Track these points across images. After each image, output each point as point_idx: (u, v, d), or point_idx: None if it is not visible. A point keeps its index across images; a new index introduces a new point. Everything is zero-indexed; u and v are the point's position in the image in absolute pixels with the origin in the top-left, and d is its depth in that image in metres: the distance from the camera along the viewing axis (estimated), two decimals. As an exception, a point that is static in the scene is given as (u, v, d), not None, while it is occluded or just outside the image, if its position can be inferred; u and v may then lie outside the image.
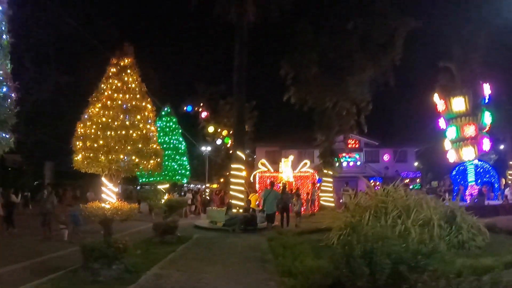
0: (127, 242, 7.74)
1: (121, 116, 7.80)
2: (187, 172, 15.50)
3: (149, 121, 8.29)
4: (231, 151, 25.05)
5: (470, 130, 24.56)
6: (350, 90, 25.09)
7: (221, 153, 37.49)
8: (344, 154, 33.50)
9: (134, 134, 7.73)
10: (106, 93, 8.00)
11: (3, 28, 5.83)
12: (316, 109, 26.22)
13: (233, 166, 19.68)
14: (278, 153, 38.48)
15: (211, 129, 35.56)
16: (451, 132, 25.19)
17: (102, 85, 8.19)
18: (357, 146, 41.30)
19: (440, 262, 5.20)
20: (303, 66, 25.18)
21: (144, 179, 14.89)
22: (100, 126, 7.67)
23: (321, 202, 26.49)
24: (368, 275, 4.72)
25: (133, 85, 8.23)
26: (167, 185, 15.16)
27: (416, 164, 44.97)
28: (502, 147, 36.17)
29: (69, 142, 8.16)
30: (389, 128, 45.32)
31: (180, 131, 15.32)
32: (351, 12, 25.19)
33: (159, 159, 8.35)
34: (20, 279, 7.84)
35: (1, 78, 5.57)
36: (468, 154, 24.54)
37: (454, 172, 26.60)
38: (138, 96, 8.19)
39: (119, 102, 7.90)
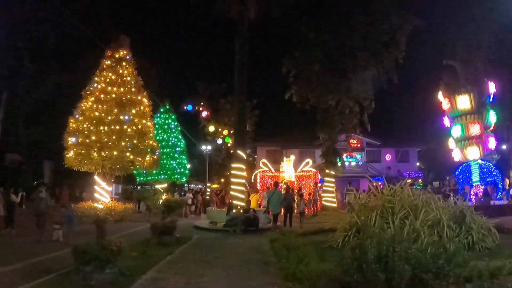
0: (121, 244, 7.29)
1: (115, 110, 7.35)
2: (186, 171, 15.06)
3: (145, 115, 7.85)
4: (231, 151, 24.68)
5: (475, 129, 24.22)
6: (353, 88, 24.77)
7: (221, 152, 37.19)
8: (345, 154, 33.07)
9: (129, 130, 7.28)
10: (99, 86, 7.56)
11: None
12: (319, 108, 25.87)
13: (233, 165, 19.25)
14: (279, 152, 38.23)
15: (211, 128, 35.21)
16: (456, 131, 24.83)
17: (96, 78, 7.75)
18: (359, 146, 40.95)
19: (460, 266, 4.77)
20: (305, 64, 24.88)
21: (141, 178, 14.44)
22: (93, 121, 7.22)
23: (323, 202, 26.06)
24: (384, 281, 4.27)
25: (129, 78, 7.78)
26: (165, 185, 14.69)
27: (417, 164, 44.56)
28: (504, 147, 35.73)
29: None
30: (391, 128, 45.07)
31: (179, 128, 14.87)
32: (354, 10, 24.84)
33: (155, 156, 7.89)
34: (10, 282, 7.49)
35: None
36: (473, 153, 24.18)
37: (457, 172, 26.29)
38: (133, 89, 7.74)
39: (113, 95, 7.45)
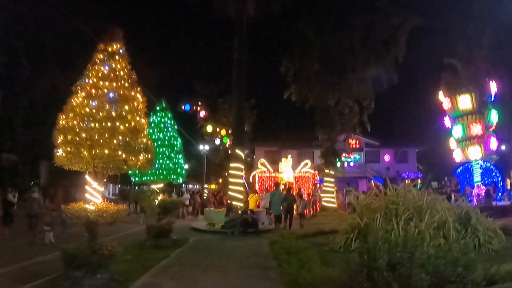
0: (113, 248, 6.89)
1: (107, 106, 6.95)
2: (183, 171, 14.62)
3: (139, 112, 7.44)
4: (229, 151, 24.31)
5: (476, 129, 23.88)
6: (352, 88, 24.54)
7: (219, 153, 36.85)
8: (344, 155, 32.75)
9: (121, 127, 6.87)
10: (90, 81, 7.16)
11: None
12: (318, 108, 25.55)
13: (232, 165, 18.85)
14: (278, 153, 37.96)
15: (209, 128, 34.84)
16: (457, 131, 24.48)
17: (88, 73, 7.35)
18: (357, 146, 40.64)
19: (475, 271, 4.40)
20: (304, 63, 24.62)
21: (137, 179, 14.01)
22: (83, 117, 6.81)
23: (323, 203, 25.71)
24: (397, 291, 3.89)
25: (122, 73, 7.38)
26: (161, 185, 14.27)
27: (418, 165, 44.40)
28: (503, 147, 35.44)
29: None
30: (390, 128, 44.92)
31: (176, 127, 14.44)
32: (354, 8, 24.59)
33: (149, 155, 7.48)
34: (-3, 288, 7.12)
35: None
36: (475, 153, 23.84)
37: (457, 173, 26.00)
38: (126, 84, 7.34)
39: (105, 90, 7.05)
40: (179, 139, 14.48)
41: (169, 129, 13.92)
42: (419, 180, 39.82)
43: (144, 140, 7.38)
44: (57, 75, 31.90)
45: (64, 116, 7.09)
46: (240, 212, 15.69)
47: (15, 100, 33.46)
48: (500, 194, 25.38)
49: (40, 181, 35.32)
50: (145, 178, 13.50)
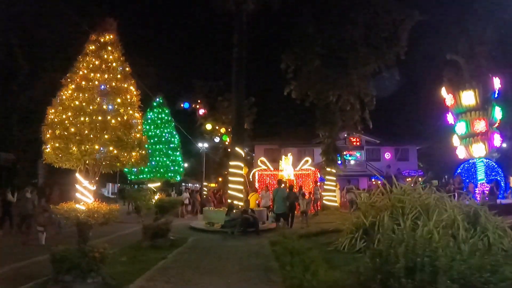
0: (105, 250, 6.47)
1: (98, 99, 6.54)
2: (181, 169, 14.19)
3: (132, 106, 7.00)
4: (229, 149, 23.88)
5: (480, 126, 23.49)
6: (354, 84, 24.14)
7: (219, 151, 36.47)
8: (345, 152, 32.37)
9: (113, 121, 6.46)
10: (81, 73, 6.72)
11: None
12: (319, 104, 25.14)
13: (231, 163, 18.44)
14: (278, 151, 37.69)
15: (208, 126, 34.38)
16: (460, 128, 24.09)
17: (78, 64, 6.90)
18: (358, 144, 40.29)
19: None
20: (305, 59, 24.24)
21: (133, 177, 13.55)
22: (73, 111, 6.37)
23: (324, 201, 25.31)
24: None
25: (114, 64, 6.97)
26: (158, 183, 13.81)
27: (419, 164, 44.08)
28: (504, 145, 34.98)
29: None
30: (391, 126, 44.58)
31: (173, 124, 13.98)
32: (354, 3, 24.23)
33: (143, 151, 7.04)
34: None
35: None
36: (479, 150, 23.46)
37: (459, 170, 25.63)
38: (119, 76, 6.92)
39: (96, 82, 6.63)
40: (176, 136, 14.02)
41: (167, 125, 13.47)
42: (420, 178, 39.45)
43: (138, 135, 6.95)
44: (56, 73, 31.42)
45: (53, 110, 6.65)
46: (240, 211, 15.26)
47: (13, 99, 33.00)
48: (502, 191, 24.99)
49: (38, 181, 34.94)
50: (141, 176, 13.07)
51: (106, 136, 6.34)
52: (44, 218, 11.31)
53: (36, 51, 31.35)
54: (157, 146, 12.74)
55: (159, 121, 13.07)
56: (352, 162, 40.16)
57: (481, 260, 3.92)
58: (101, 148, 6.25)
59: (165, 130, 13.12)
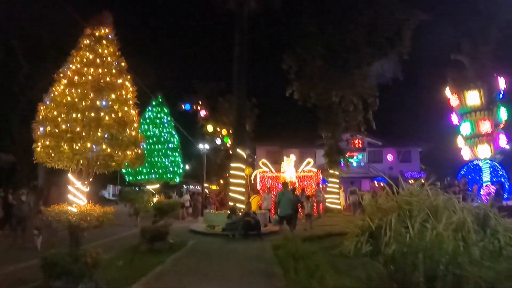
0: (98, 255, 6.10)
1: (91, 94, 6.17)
2: (180, 170, 13.80)
3: (128, 102, 6.64)
4: (230, 151, 23.55)
5: (485, 126, 23.10)
6: (357, 84, 23.80)
7: (220, 153, 36.10)
8: (348, 154, 32.02)
9: (107, 117, 6.08)
10: (74, 67, 6.38)
11: None
12: (321, 105, 24.81)
13: (232, 165, 18.05)
14: (279, 152, 37.39)
15: (210, 128, 34.06)
16: (465, 128, 23.70)
17: (72, 59, 6.56)
18: (360, 145, 39.99)
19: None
20: (307, 59, 23.93)
21: (131, 178, 13.19)
22: (64, 107, 6.03)
23: (327, 204, 24.93)
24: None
25: (109, 59, 6.59)
26: (157, 185, 13.44)
27: (421, 166, 43.75)
28: (507, 146, 34.56)
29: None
30: (393, 127, 44.31)
31: (172, 123, 13.61)
32: (357, 3, 23.98)
33: (139, 150, 6.68)
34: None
35: None
36: (484, 151, 23.09)
37: (462, 172, 25.27)
38: (114, 71, 6.55)
39: (89, 77, 6.27)
40: (176, 136, 13.64)
41: (166, 125, 13.10)
42: (422, 180, 39.08)
43: (133, 134, 6.57)
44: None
45: (44, 107, 6.30)
46: (241, 214, 14.86)
47: (13, 100, 32.72)
48: (506, 193, 24.60)
49: (38, 182, 34.63)
50: (139, 177, 12.70)
51: (99, 134, 5.96)
52: (40, 221, 10.96)
53: (36, 51, 31.10)
54: (156, 146, 12.37)
55: (158, 121, 12.69)
56: (354, 164, 39.84)
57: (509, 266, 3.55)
58: (94, 147, 5.88)
59: (164, 130, 12.74)
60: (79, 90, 6.13)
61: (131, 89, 6.80)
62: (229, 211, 15.47)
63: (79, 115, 5.96)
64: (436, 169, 43.87)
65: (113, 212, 6.71)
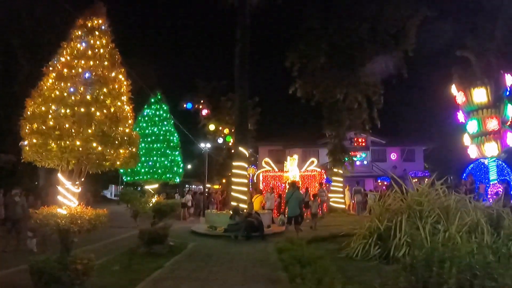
0: (90, 261, 5.68)
1: (81, 88, 5.73)
2: (180, 170, 13.33)
3: (121, 97, 6.20)
4: (232, 150, 23.14)
5: (492, 124, 22.55)
6: (361, 82, 23.34)
7: (222, 152, 35.74)
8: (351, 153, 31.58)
9: (98, 113, 5.64)
10: (63, 59, 5.95)
11: None
12: (325, 103, 24.38)
13: (234, 163, 17.62)
14: (282, 152, 37.10)
15: (212, 127, 33.69)
16: (472, 126, 23.17)
17: (62, 51, 6.13)
18: (363, 144, 39.56)
19: None
20: (310, 56, 23.48)
21: (129, 178, 12.75)
22: (52, 102, 5.60)
23: (331, 203, 24.50)
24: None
25: (102, 51, 6.16)
26: (156, 185, 12.98)
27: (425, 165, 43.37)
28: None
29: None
30: (396, 126, 43.94)
31: (172, 121, 13.16)
32: (362, -2, 23.57)
33: (133, 149, 6.24)
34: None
35: None
36: (491, 149, 22.52)
37: (467, 171, 24.78)
38: (106, 63, 6.11)
39: (80, 70, 5.84)
40: (176, 134, 13.18)
41: (165, 123, 12.65)
42: (426, 180, 38.61)
43: (127, 131, 6.13)
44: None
45: (32, 102, 5.88)
46: (244, 214, 14.41)
47: (13, 99, 32.41)
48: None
49: (38, 183, 34.36)
50: (137, 177, 12.27)
51: (89, 131, 5.53)
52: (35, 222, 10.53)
53: (36, 51, 30.77)
54: (155, 145, 11.94)
55: (156, 118, 12.24)
56: (358, 163, 39.43)
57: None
58: (84, 144, 5.45)
59: (163, 128, 12.30)
60: (68, 84, 5.71)
61: (125, 83, 6.37)
62: (231, 212, 15.03)
63: (68, 111, 5.53)
64: (440, 168, 43.44)
65: (107, 214, 6.28)
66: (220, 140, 34.02)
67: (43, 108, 5.64)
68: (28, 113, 5.89)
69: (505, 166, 24.32)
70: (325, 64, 23.26)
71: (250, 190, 21.00)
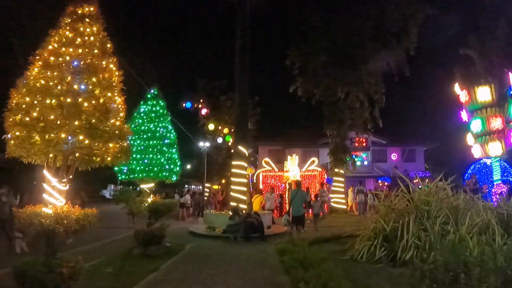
0: (77, 264, 5.26)
1: (69, 77, 5.32)
2: (177, 168, 12.89)
3: (112, 87, 5.77)
4: (232, 150, 22.76)
5: (497, 123, 22.19)
6: (363, 80, 22.97)
7: (222, 152, 35.36)
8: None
9: (86, 104, 5.23)
10: (50, 47, 5.53)
11: None
12: (326, 102, 24.02)
13: (234, 162, 17.17)
14: (282, 152, 36.81)
15: (211, 126, 33.32)
16: (475, 125, 22.80)
17: (49, 38, 5.72)
18: (364, 144, 39.23)
19: None
20: (311, 54, 23.12)
21: (123, 177, 12.31)
22: (38, 92, 5.18)
23: (332, 204, 24.10)
24: None
25: (92, 39, 5.75)
26: (152, 184, 12.55)
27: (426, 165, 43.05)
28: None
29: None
30: (397, 126, 43.68)
31: (169, 118, 12.72)
32: (363, -4, 23.25)
33: (124, 143, 5.81)
34: None
35: None
36: (495, 149, 22.15)
37: (469, 171, 24.43)
38: (96, 51, 5.70)
39: (67, 58, 5.42)
40: (173, 131, 12.73)
41: (162, 119, 12.21)
42: (427, 180, 38.24)
43: (117, 123, 5.70)
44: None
45: (17, 93, 5.46)
46: (243, 215, 13.96)
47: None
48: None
49: (36, 182, 33.91)
50: (132, 176, 11.83)
51: (76, 123, 5.11)
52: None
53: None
54: (151, 142, 11.51)
55: (153, 115, 11.79)
56: (358, 163, 39.12)
57: None
58: (70, 138, 5.03)
59: (160, 125, 11.87)
60: (55, 73, 5.29)
61: (117, 73, 5.95)
62: (231, 212, 14.58)
63: (53, 101, 5.11)
64: (442, 168, 43.09)
65: (96, 214, 5.86)
66: (220, 140, 33.68)
67: (27, 99, 5.22)
68: (13, 104, 5.48)
69: (508, 166, 24.01)
70: (326, 62, 22.97)
71: (250, 190, 20.55)
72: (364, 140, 38.56)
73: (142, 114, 11.96)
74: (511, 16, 23.81)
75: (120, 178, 12.91)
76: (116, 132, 5.62)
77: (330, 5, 23.76)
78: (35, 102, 5.19)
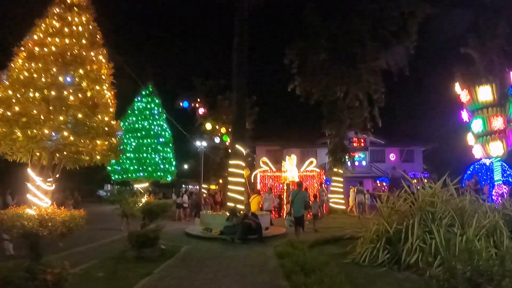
0: (63, 270, 4.90)
1: (54, 69, 4.96)
2: (172, 168, 12.50)
3: (101, 80, 5.41)
4: (229, 150, 22.44)
5: (498, 123, 21.91)
6: (362, 79, 22.69)
7: (219, 152, 35.08)
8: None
9: (72, 97, 4.87)
10: (35, 37, 5.18)
11: None
12: (325, 101, 23.73)
13: (231, 162, 16.80)
14: (280, 152, 36.63)
15: (208, 126, 33.05)
16: (476, 125, 22.52)
17: (35, 28, 5.36)
18: (362, 145, 39.04)
19: None
20: (310, 53, 22.84)
21: (116, 176, 11.93)
22: (21, 84, 4.82)
23: (331, 204, 23.79)
24: None
25: (80, 28, 5.39)
26: (146, 184, 12.16)
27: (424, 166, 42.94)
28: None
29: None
30: (395, 126, 43.57)
31: (164, 116, 12.34)
32: (363, -6, 22.99)
33: (113, 140, 5.45)
34: None
35: None
36: (497, 149, 21.87)
37: (469, 171, 24.20)
38: (84, 42, 5.34)
39: (53, 48, 5.07)
40: (168, 130, 12.36)
41: (156, 117, 11.84)
42: (426, 181, 38.02)
43: (106, 119, 5.34)
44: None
45: (0, 86, 5.10)
46: (241, 216, 13.58)
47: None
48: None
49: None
50: (125, 175, 11.45)
51: (60, 118, 4.75)
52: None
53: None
54: (145, 141, 11.14)
55: (147, 112, 11.44)
56: (357, 163, 38.92)
57: None
58: (53, 134, 4.68)
59: (154, 123, 11.51)
60: (40, 64, 4.93)
61: (106, 65, 5.58)
62: (228, 213, 14.20)
63: (37, 94, 4.75)
64: (440, 169, 42.90)
65: (84, 216, 5.49)
66: (217, 140, 33.39)
67: (10, 92, 4.86)
68: (-6, 98, 5.11)
69: (507, 166, 23.82)
70: (325, 61, 22.71)
71: (247, 190, 20.18)
72: (362, 141, 38.35)
73: (136, 112, 11.58)
74: (511, 15, 23.61)
75: (113, 178, 12.51)
76: (105, 128, 5.27)
77: (329, 3, 23.52)
78: (18, 95, 4.83)
